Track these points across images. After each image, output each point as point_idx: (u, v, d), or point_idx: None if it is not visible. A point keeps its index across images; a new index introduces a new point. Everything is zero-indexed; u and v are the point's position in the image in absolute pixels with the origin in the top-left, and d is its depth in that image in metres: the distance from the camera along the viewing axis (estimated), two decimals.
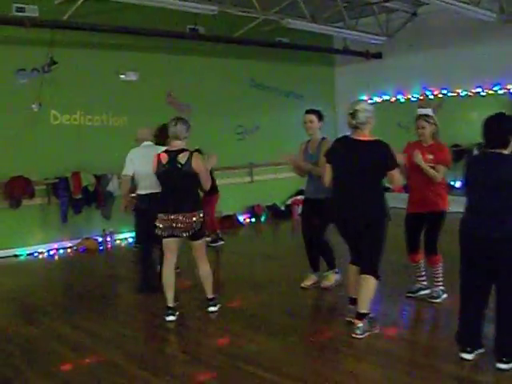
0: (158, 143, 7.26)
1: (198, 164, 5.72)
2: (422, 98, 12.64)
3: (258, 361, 4.81)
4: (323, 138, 6.68)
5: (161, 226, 5.80)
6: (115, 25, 9.67)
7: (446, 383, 4.40)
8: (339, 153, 5.41)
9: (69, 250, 9.92)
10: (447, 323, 5.67)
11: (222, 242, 9.68)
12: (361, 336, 5.19)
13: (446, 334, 5.17)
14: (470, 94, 12.27)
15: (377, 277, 5.24)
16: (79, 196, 9.90)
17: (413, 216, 6.11)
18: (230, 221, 11.65)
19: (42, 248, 9.76)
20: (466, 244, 4.56)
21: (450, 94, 12.57)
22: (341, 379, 4.46)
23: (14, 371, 4.83)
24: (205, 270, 6.03)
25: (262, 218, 12.59)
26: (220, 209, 11.54)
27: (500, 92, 11.97)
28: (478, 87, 12.10)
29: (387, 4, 11.89)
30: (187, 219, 5.69)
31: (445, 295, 6.18)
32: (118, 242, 10.45)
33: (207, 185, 5.89)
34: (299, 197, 12.96)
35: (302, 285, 6.90)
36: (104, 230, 10.15)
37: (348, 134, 5.48)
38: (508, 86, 11.73)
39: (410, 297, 6.31)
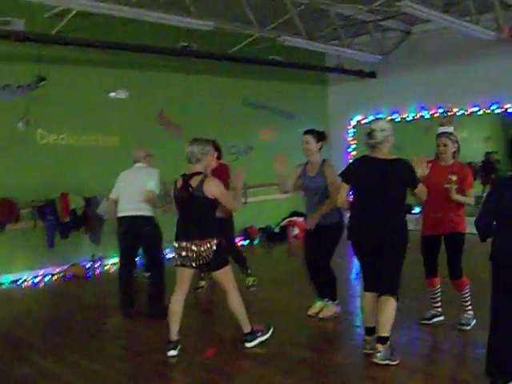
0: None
1: (210, 189, 5.29)
2: (447, 115, 12.24)
3: None
4: (324, 161, 6.33)
5: (173, 254, 5.52)
6: (105, 40, 9.27)
7: None
8: (359, 173, 5.22)
9: (55, 277, 9.38)
10: (470, 353, 5.44)
11: None
12: (382, 362, 4.96)
13: (471, 365, 4.91)
14: (466, 113, 12.07)
15: (397, 298, 5.05)
16: (67, 219, 9.41)
17: (430, 238, 5.84)
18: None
19: (26, 275, 9.20)
20: (503, 271, 4.24)
21: (445, 114, 12.35)
22: None
23: None
24: (232, 302, 5.51)
25: (256, 241, 12.18)
26: None
27: (497, 111, 11.79)
28: (474, 106, 11.90)
29: (382, 23, 11.69)
30: (196, 247, 5.25)
31: (474, 321, 5.86)
32: (107, 267, 9.95)
33: (230, 207, 5.60)
34: (294, 218, 12.64)
35: (309, 313, 6.56)
36: (93, 256, 9.66)
37: (367, 153, 5.27)
38: (506, 105, 11.54)
39: (425, 324, 5.98)
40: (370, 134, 5.07)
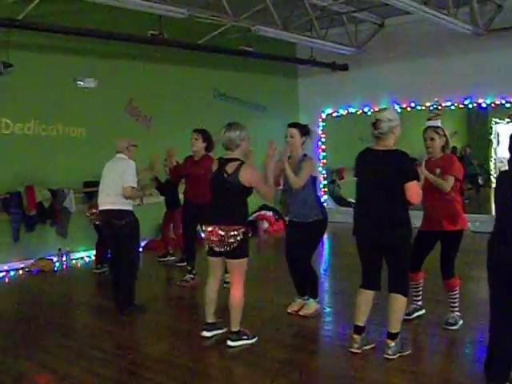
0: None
1: (246, 176, 5.21)
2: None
3: None
4: (304, 155, 6.12)
5: (208, 238, 5.36)
6: (74, 27, 8.90)
7: None
8: (360, 166, 5.11)
9: (21, 272, 9.01)
10: (458, 352, 5.35)
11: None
12: (393, 356, 4.94)
13: (461, 365, 4.84)
14: (438, 107, 12.04)
15: (406, 294, 4.98)
16: (33, 212, 9.04)
17: (424, 234, 5.72)
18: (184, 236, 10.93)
19: None
20: (498, 269, 4.11)
21: (418, 108, 12.32)
22: None
23: None
24: (234, 295, 5.38)
25: None
26: None
27: (470, 106, 11.79)
28: (447, 101, 11.87)
29: (356, 14, 11.56)
30: (223, 232, 5.17)
31: (461, 321, 5.76)
32: (74, 261, 9.61)
33: (267, 196, 5.43)
34: (263, 212, 12.44)
35: (289, 310, 6.37)
36: (60, 250, 9.29)
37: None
38: (479, 100, 11.54)
39: (407, 319, 5.77)
40: (375, 124, 4.86)
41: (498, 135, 15.57)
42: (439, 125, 5.85)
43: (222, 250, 5.24)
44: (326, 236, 12.49)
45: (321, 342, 5.91)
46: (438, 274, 5.78)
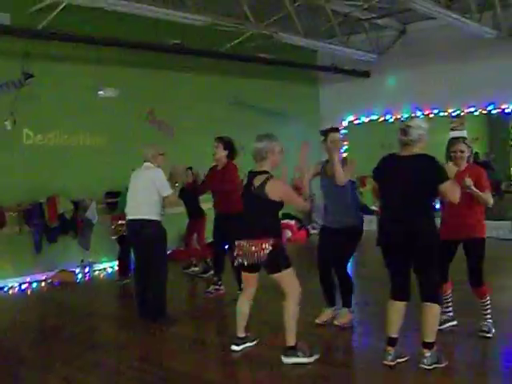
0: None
1: (273, 190, 5.04)
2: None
3: None
4: (344, 159, 6.07)
5: (236, 253, 5.26)
6: (95, 36, 8.86)
7: None
8: (385, 171, 5.00)
9: (43, 284, 8.91)
10: (493, 365, 5.17)
11: (212, 272, 8.97)
12: (429, 367, 4.80)
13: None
14: (462, 113, 11.88)
15: (439, 302, 4.90)
16: (55, 224, 8.97)
17: (447, 243, 5.50)
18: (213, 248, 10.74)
19: (12, 282, 8.75)
20: None
21: (441, 114, 12.15)
22: None
23: None
24: (285, 307, 5.12)
25: None
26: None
27: (493, 112, 11.60)
28: (470, 107, 11.70)
29: (377, 21, 11.44)
30: (252, 247, 5.04)
31: (493, 330, 5.62)
32: (96, 273, 9.53)
33: (302, 207, 5.39)
34: (285, 221, 12.28)
35: (318, 321, 6.22)
36: (82, 261, 9.22)
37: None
38: (502, 106, 11.35)
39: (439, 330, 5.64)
40: (405, 131, 4.80)
41: None
42: (465, 134, 5.71)
43: (251, 263, 5.12)
44: None
45: (353, 354, 5.74)
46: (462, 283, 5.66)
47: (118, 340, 6.22)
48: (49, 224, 8.92)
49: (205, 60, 10.74)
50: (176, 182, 7.07)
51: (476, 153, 14.73)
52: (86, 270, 9.25)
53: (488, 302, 5.65)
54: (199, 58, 10.56)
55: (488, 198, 5.48)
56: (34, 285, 8.86)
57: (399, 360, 4.97)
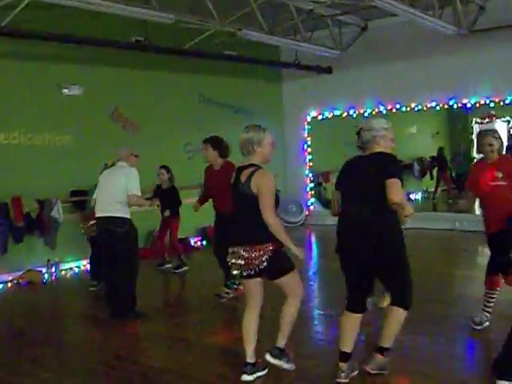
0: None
1: (257, 183, 4.38)
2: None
3: None
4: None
5: (231, 261, 4.62)
6: (58, 33, 8.76)
7: None
8: (342, 175, 4.68)
9: (9, 284, 8.81)
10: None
11: (186, 268, 9.06)
12: (373, 371, 4.59)
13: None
14: (424, 108, 12.10)
15: (406, 307, 4.49)
16: (20, 223, 8.87)
17: (495, 235, 5.51)
18: (183, 244, 10.76)
19: None
20: None
21: (403, 109, 12.36)
22: None
23: None
24: (286, 309, 4.63)
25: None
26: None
27: (455, 107, 11.85)
28: (432, 101, 11.91)
29: (339, 17, 11.57)
30: (247, 253, 4.43)
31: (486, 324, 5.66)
32: (63, 272, 9.44)
33: (266, 213, 4.39)
34: None
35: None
36: (49, 261, 9.12)
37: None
38: (464, 101, 11.59)
39: (476, 329, 5.62)
40: (358, 134, 4.66)
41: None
42: (495, 127, 5.71)
43: (252, 273, 4.49)
44: (313, 239, 12.60)
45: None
46: None
47: (89, 339, 6.20)
48: (14, 224, 8.83)
49: (169, 57, 10.70)
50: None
51: (441, 148, 15.11)
52: (53, 269, 9.15)
53: (496, 295, 5.65)
54: (163, 56, 10.51)
55: None
56: (0, 286, 8.74)
57: (353, 374, 4.62)
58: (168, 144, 11.23)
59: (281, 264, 4.51)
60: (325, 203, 14.09)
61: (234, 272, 4.61)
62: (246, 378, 4.60)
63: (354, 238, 4.43)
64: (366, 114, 12.81)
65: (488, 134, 5.62)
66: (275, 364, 4.69)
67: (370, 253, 4.36)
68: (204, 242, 11.76)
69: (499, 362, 4.25)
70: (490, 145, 5.52)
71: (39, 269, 9.10)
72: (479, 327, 5.62)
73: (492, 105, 11.45)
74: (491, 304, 5.68)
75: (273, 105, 13.85)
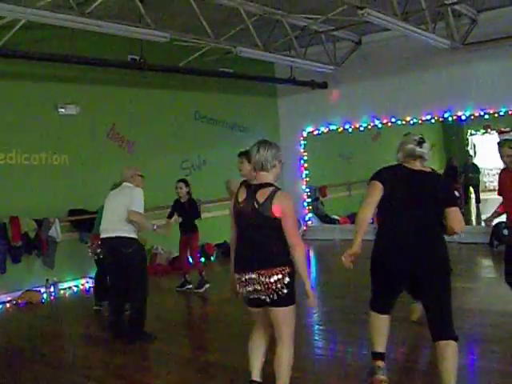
0: None
1: (282, 205, 4.09)
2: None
3: None
4: None
5: (240, 290, 4.25)
6: (54, 53, 8.79)
7: None
8: (393, 182, 4.41)
9: (8, 305, 8.79)
10: None
11: (208, 285, 8.89)
12: None
13: None
14: (419, 121, 12.15)
15: (457, 338, 4.23)
16: (18, 243, 8.86)
17: None
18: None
19: None
20: None
21: (399, 123, 12.40)
22: None
23: None
24: (282, 354, 4.22)
25: (213, 258, 11.83)
26: (169, 249, 10.82)
27: (450, 119, 11.90)
28: (427, 114, 11.97)
29: (334, 33, 11.65)
30: (265, 279, 4.05)
31: None
32: (62, 291, 9.41)
33: (294, 238, 4.14)
34: None
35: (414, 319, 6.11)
36: (47, 280, 9.10)
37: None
38: (458, 113, 11.65)
39: None
40: (421, 143, 4.39)
41: (474, 146, 15.83)
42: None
43: (271, 298, 4.09)
44: (312, 254, 12.57)
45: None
46: None
47: (92, 359, 6.14)
48: (12, 243, 8.82)
49: (165, 75, 10.76)
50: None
51: (450, 158, 15.15)
52: (52, 289, 9.13)
53: None
54: (159, 74, 10.57)
55: None
56: None
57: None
58: (164, 161, 11.26)
59: (292, 291, 4.15)
60: (322, 217, 14.12)
61: (247, 302, 4.31)
62: None
63: (404, 261, 4.31)
64: (361, 128, 12.87)
65: (504, 144, 5.78)
66: None
67: (422, 265, 4.26)
68: (202, 259, 11.73)
69: None
70: (508, 156, 5.71)
71: (38, 289, 9.08)
72: None
73: (487, 117, 11.51)
74: None
75: (269, 121, 13.90)
